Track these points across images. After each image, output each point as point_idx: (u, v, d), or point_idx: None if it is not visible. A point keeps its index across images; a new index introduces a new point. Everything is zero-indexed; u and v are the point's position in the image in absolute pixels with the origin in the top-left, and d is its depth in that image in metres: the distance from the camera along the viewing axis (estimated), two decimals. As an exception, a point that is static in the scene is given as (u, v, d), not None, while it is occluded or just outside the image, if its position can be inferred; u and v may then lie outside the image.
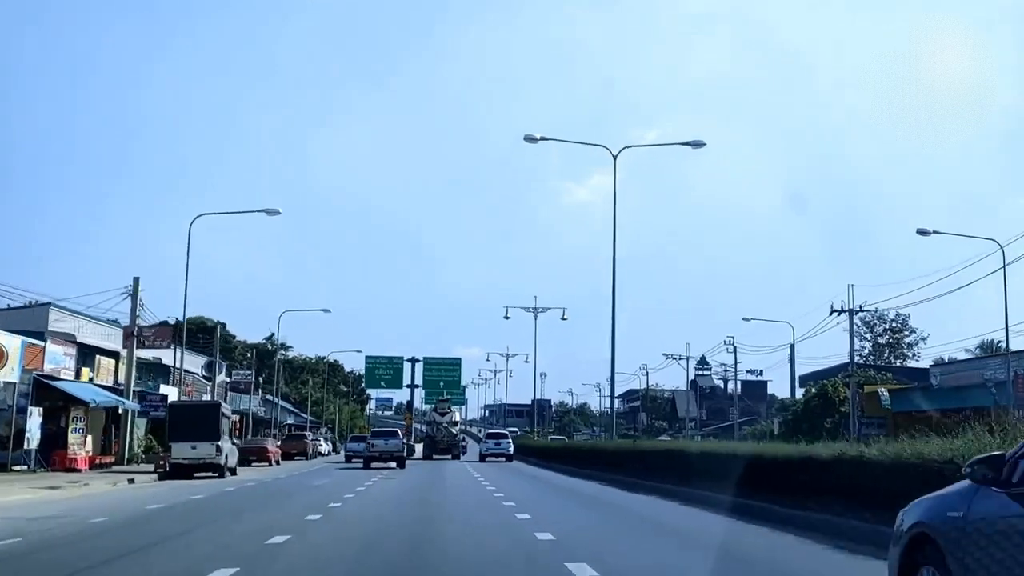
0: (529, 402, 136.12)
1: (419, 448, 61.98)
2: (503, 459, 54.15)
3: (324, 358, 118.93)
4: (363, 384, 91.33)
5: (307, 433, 66.41)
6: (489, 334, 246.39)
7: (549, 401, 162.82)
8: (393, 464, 42.35)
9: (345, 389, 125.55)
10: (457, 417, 64.29)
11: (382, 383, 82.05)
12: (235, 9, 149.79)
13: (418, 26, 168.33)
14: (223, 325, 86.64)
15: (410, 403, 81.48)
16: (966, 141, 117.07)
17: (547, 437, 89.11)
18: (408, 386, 79.48)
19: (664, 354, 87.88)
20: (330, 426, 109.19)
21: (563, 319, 69.78)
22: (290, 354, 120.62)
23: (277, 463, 47.34)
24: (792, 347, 67.39)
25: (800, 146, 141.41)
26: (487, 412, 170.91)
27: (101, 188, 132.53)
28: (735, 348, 72.36)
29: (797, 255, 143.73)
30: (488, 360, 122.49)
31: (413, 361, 78.77)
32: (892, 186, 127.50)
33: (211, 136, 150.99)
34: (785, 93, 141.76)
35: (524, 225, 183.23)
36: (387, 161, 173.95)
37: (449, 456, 57.69)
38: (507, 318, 72.59)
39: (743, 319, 69.49)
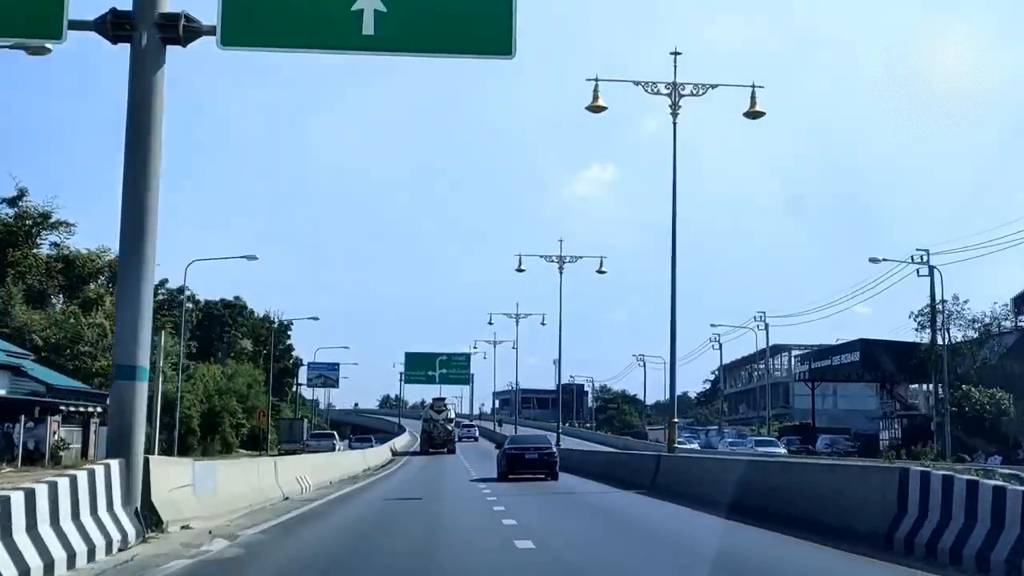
0: (552, 387, 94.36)
1: (398, 442, 66.15)
2: (472, 440, 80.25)
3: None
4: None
5: None
6: (489, 331, 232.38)
7: (583, 386, 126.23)
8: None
9: (251, 349, 79.29)
10: (452, 414, 68.31)
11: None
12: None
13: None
14: None
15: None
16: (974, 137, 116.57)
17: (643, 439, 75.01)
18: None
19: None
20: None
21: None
22: (73, 244, 58.81)
23: None
24: None
25: (801, 138, 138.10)
26: (497, 402, 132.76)
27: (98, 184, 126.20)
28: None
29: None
30: (475, 348, 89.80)
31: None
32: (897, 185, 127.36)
33: (209, 130, 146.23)
34: (791, 85, 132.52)
35: (523, 219, 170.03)
36: (384, 156, 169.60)
37: (445, 451, 61.64)
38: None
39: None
